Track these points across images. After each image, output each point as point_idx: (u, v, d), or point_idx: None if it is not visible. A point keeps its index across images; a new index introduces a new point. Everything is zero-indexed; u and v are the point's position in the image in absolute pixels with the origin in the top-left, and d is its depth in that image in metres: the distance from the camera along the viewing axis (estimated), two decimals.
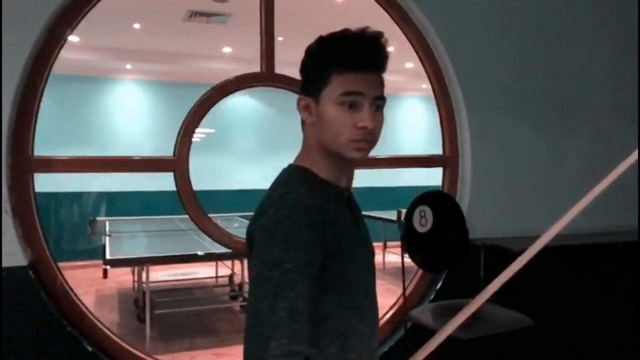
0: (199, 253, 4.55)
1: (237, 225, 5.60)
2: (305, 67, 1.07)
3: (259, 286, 0.91)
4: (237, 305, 5.26)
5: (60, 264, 2.24)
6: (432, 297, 2.69)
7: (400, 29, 2.78)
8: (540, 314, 2.24)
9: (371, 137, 1.03)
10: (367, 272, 1.08)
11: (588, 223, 2.73)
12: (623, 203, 2.79)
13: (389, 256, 6.90)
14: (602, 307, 2.84)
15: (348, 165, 1.08)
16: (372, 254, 1.15)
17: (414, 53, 2.85)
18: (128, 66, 7.46)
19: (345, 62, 1.00)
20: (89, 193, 7.41)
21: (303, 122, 1.09)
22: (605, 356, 2.85)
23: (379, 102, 1.03)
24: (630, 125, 2.99)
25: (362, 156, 1.03)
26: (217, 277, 5.99)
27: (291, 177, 1.05)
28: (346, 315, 1.00)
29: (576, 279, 2.73)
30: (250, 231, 1.02)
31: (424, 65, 2.84)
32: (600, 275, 2.79)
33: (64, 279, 2.20)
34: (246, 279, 5.23)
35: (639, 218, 2.79)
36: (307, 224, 0.94)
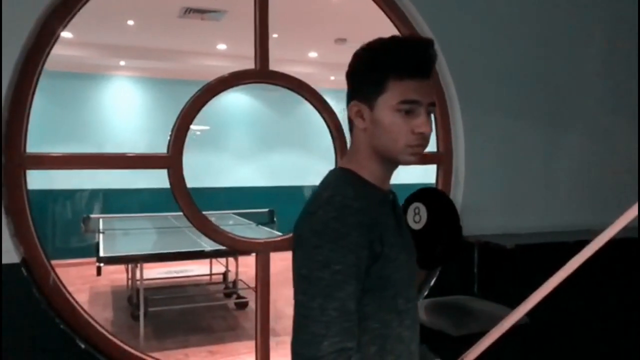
0: (193, 250, 4.55)
1: (231, 222, 5.60)
2: (357, 72, 1.07)
3: (310, 286, 0.93)
4: (231, 302, 5.26)
5: (53, 262, 2.22)
6: (426, 293, 2.70)
7: (395, 26, 2.78)
8: (535, 311, 2.25)
9: (426, 142, 1.05)
10: (409, 275, 1.09)
11: (587, 220, 2.75)
12: (623, 200, 2.80)
13: None
14: (599, 304, 2.85)
15: (393, 169, 1.11)
16: (414, 258, 1.16)
17: None
18: (122, 63, 7.43)
19: (404, 70, 1.02)
20: (82, 190, 7.38)
21: (351, 127, 1.11)
22: (602, 354, 2.87)
23: (431, 108, 1.05)
24: (623, 123, 3.01)
25: (416, 160, 1.05)
26: (211, 274, 5.98)
27: (338, 179, 1.07)
28: (386, 317, 1.02)
29: (573, 276, 2.74)
30: (294, 228, 1.03)
31: None
32: (598, 272, 2.80)
33: (57, 277, 2.20)
34: (240, 277, 5.24)
35: (639, 215, 2.80)
36: (355, 226, 0.96)
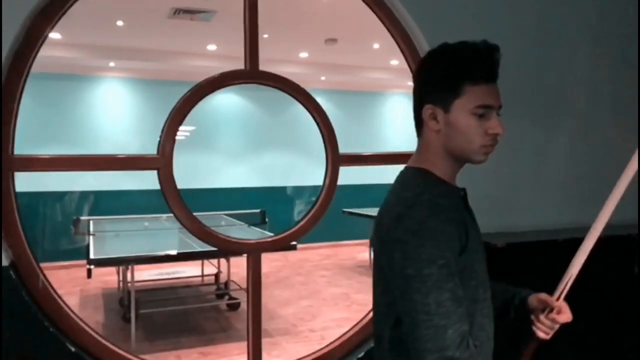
0: (185, 252, 4.53)
1: (223, 223, 5.58)
2: (432, 77, 1.13)
3: (422, 284, 0.98)
4: (223, 303, 5.24)
5: (43, 265, 2.20)
6: None
7: (385, 26, 2.78)
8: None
9: (497, 141, 1.13)
10: (484, 267, 1.17)
11: (578, 219, 2.77)
12: (624, 196, 2.83)
13: None
14: (599, 303, 2.87)
15: (461, 167, 1.19)
16: (485, 251, 1.22)
17: (399, 50, 2.86)
18: (111, 64, 7.38)
19: (480, 75, 1.09)
20: (71, 192, 7.32)
21: (419, 127, 1.17)
22: (597, 352, 2.89)
23: (500, 110, 1.13)
24: (614, 122, 3.04)
25: (486, 159, 1.14)
26: (203, 275, 5.96)
27: (418, 178, 1.13)
28: (470, 306, 1.06)
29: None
30: (383, 231, 1.08)
31: (408, 63, 2.85)
32: (598, 270, 2.82)
33: (47, 280, 2.17)
34: (232, 278, 5.22)
35: (638, 212, 2.82)
36: (447, 222, 1.04)
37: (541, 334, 1.21)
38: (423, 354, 0.96)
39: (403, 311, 1.02)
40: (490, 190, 2.85)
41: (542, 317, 1.21)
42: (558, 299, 1.24)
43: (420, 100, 1.15)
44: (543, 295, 1.24)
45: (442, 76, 1.11)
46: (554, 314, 1.20)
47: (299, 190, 8.51)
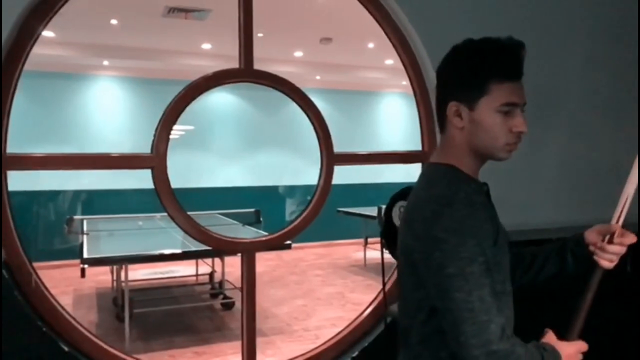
0: (179, 251, 4.52)
1: (217, 222, 5.57)
2: (457, 75, 1.13)
3: (465, 282, 0.99)
4: (217, 303, 5.23)
5: (36, 264, 2.19)
6: None
7: (381, 26, 2.79)
8: (532, 310, 2.27)
9: (520, 139, 1.13)
10: (508, 260, 1.19)
11: (571, 218, 2.79)
12: (606, 197, 2.84)
13: (370, 252, 6.94)
14: (598, 301, 2.88)
15: (484, 163, 1.19)
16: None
17: (394, 50, 2.86)
18: (105, 62, 7.35)
19: (506, 73, 1.09)
20: (65, 192, 7.29)
21: (443, 124, 1.17)
22: (601, 350, 2.90)
23: (524, 107, 1.14)
24: (605, 121, 3.05)
25: (510, 157, 1.15)
26: (197, 275, 5.95)
27: (447, 175, 1.13)
28: (498, 299, 1.07)
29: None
30: (418, 229, 1.07)
31: (403, 62, 2.85)
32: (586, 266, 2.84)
33: (40, 279, 2.16)
34: (226, 277, 5.21)
35: (638, 210, 2.84)
36: (484, 219, 1.06)
37: (606, 263, 1.19)
38: (469, 349, 0.98)
39: (444, 308, 1.02)
40: None
41: (606, 245, 1.19)
42: (617, 223, 1.21)
43: (444, 97, 1.15)
44: (599, 226, 1.23)
45: (467, 74, 1.11)
46: (619, 238, 1.18)
47: (294, 190, 8.52)
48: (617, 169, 2.88)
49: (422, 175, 1.20)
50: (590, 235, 1.24)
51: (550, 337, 1.14)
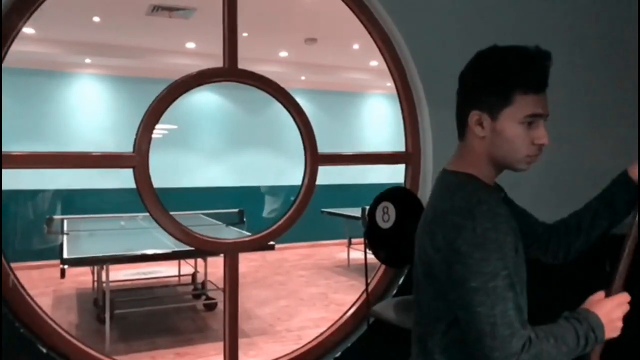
0: (161, 251, 4.48)
1: (200, 223, 5.52)
2: (482, 83, 1.11)
3: (487, 297, 0.98)
4: (200, 303, 5.20)
5: (14, 264, 2.16)
6: (394, 292, 2.72)
7: (366, 28, 2.80)
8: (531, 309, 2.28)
9: (541, 151, 1.12)
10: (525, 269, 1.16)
11: (551, 219, 2.82)
12: (586, 200, 2.86)
13: (354, 253, 6.96)
14: (565, 299, 2.92)
15: (501, 172, 1.17)
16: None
17: (378, 51, 2.87)
18: (87, 60, 7.25)
19: (532, 85, 1.07)
20: (44, 191, 7.17)
21: (462, 131, 1.15)
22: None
23: (546, 118, 1.12)
24: (585, 124, 3.09)
25: (529, 168, 1.14)
26: (179, 275, 5.90)
27: (468, 185, 1.10)
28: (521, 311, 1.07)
29: (572, 272, 2.81)
30: (439, 240, 1.05)
31: (387, 64, 2.86)
32: (597, 268, 2.87)
33: (17, 279, 2.13)
34: (209, 278, 5.18)
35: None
36: (507, 232, 1.03)
37: None
38: None
39: (466, 321, 1.02)
40: None
41: None
42: None
43: (466, 104, 1.13)
44: None
45: (492, 83, 1.09)
46: None
47: (278, 190, 8.49)
48: (600, 172, 2.92)
49: (440, 184, 1.17)
50: (635, 170, 1.22)
51: (590, 300, 1.12)
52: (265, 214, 8.29)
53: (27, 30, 5.88)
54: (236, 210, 6.03)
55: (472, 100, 1.11)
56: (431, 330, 1.12)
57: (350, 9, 2.73)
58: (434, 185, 1.19)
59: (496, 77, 1.08)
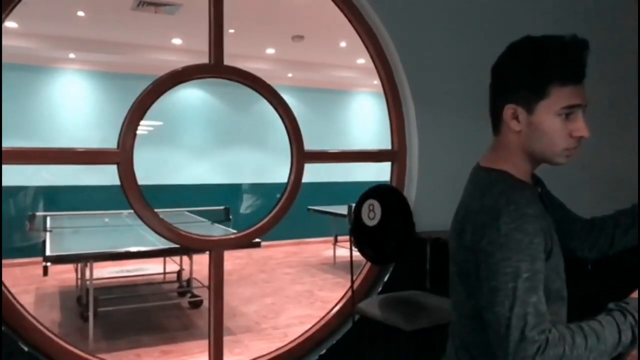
0: (146, 249, 4.45)
1: (185, 220, 5.50)
2: (516, 76, 1.07)
3: (505, 298, 0.96)
4: (185, 301, 5.17)
5: None
6: (379, 289, 2.73)
7: (353, 26, 2.80)
8: None
9: (580, 144, 1.07)
10: (563, 264, 1.14)
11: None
12: (573, 198, 2.90)
13: (340, 250, 6.96)
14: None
15: (537, 167, 1.14)
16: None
17: (365, 50, 2.88)
18: (71, 55, 7.16)
19: (569, 76, 1.03)
20: (27, 187, 7.07)
21: (497, 126, 1.12)
22: None
23: (586, 108, 1.07)
24: (591, 124, 3.13)
25: (567, 162, 1.09)
26: (165, 273, 5.86)
27: (499, 183, 1.07)
28: (555, 307, 1.07)
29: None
30: (468, 240, 1.05)
31: (374, 62, 2.87)
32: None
33: None
34: (194, 275, 5.15)
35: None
36: (534, 234, 0.99)
37: None
38: None
39: (486, 319, 1.01)
40: (452, 189, 2.89)
41: None
42: None
43: (500, 99, 1.09)
44: None
45: (527, 76, 1.05)
46: None
47: (262, 188, 8.47)
48: (600, 172, 2.96)
49: (473, 182, 1.14)
50: None
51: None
52: (242, 209, 8.26)
53: (10, 24, 5.79)
54: (222, 207, 6.00)
55: (506, 94, 1.08)
56: (464, 329, 1.13)
57: (337, 6, 2.74)
58: (467, 182, 1.16)
59: (531, 69, 1.04)
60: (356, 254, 2.61)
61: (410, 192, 2.84)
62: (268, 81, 2.59)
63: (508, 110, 1.08)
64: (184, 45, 6.86)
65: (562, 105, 1.03)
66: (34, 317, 2.17)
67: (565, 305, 1.12)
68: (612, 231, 1.27)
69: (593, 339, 0.96)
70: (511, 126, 1.08)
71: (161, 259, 5.75)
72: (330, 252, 7.42)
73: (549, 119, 1.04)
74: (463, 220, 1.08)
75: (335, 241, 7.10)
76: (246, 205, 8.37)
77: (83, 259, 4.30)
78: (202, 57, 2.54)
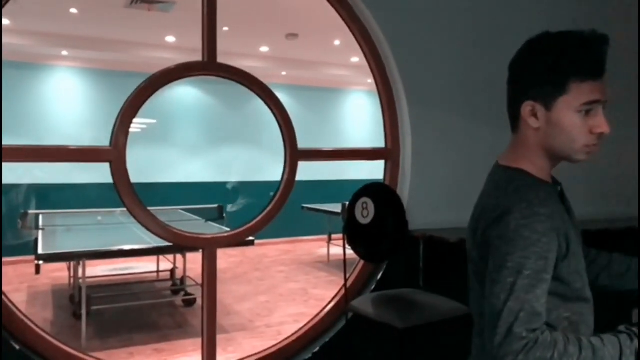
0: (139, 247, 4.43)
1: (179, 218, 5.48)
2: (534, 72, 1.05)
3: (502, 290, 0.96)
4: (178, 299, 5.16)
5: None
6: (372, 287, 2.74)
7: (346, 24, 2.80)
8: None
9: (601, 140, 1.05)
10: (584, 263, 1.12)
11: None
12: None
13: (334, 248, 6.97)
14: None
15: (558, 164, 1.12)
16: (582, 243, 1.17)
17: (359, 48, 2.88)
18: (64, 53, 7.12)
19: (588, 72, 1.01)
20: (19, 185, 7.03)
21: (516, 123, 1.11)
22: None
23: (605, 105, 1.05)
24: None
25: (588, 158, 1.07)
26: (158, 271, 5.85)
27: (515, 181, 1.06)
28: (577, 307, 1.06)
29: None
30: (480, 236, 1.05)
31: (367, 60, 2.87)
32: None
33: None
34: (188, 273, 5.14)
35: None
36: (543, 233, 0.98)
37: None
38: (494, 356, 0.96)
39: (484, 311, 1.01)
40: (445, 187, 2.91)
41: None
42: None
43: (518, 95, 1.08)
44: None
45: (545, 72, 1.03)
46: None
47: (255, 186, 8.46)
48: (599, 172, 2.97)
49: (491, 180, 1.13)
50: None
51: None
52: (235, 208, 8.24)
53: (2, 20, 5.75)
54: (215, 205, 5.99)
55: (524, 91, 1.06)
56: (483, 327, 1.11)
57: (331, 4, 2.74)
58: (487, 181, 1.16)
59: (549, 65, 1.02)
60: (350, 252, 2.62)
61: (404, 191, 2.85)
62: (262, 79, 2.58)
63: (526, 107, 1.06)
64: (177, 43, 6.84)
65: (582, 101, 1.01)
66: (26, 316, 2.16)
67: (590, 306, 1.11)
68: (600, 269, 1.27)
69: (588, 353, 0.94)
70: (529, 123, 1.07)
71: (154, 257, 5.74)
72: (324, 250, 7.42)
73: (568, 115, 1.02)
74: (479, 218, 1.08)
75: (329, 239, 7.11)
76: (240, 203, 8.36)
77: (76, 257, 4.28)
78: (196, 55, 2.53)
